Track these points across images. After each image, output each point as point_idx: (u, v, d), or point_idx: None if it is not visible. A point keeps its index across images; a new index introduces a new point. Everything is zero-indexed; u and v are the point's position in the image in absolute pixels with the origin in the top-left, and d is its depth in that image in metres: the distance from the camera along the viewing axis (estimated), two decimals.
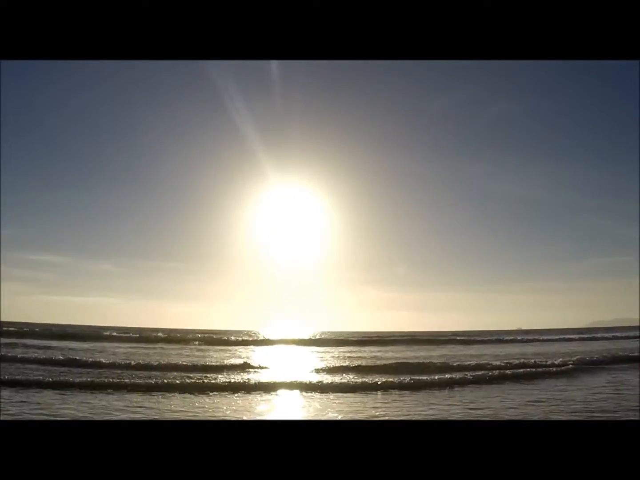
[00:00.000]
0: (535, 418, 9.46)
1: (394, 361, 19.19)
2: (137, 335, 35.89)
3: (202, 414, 9.42)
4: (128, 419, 8.96)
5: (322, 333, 56.82)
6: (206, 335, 40.28)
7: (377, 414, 9.74)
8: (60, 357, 17.95)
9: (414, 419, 9.45)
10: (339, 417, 9.76)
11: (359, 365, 17.96)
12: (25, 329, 36.81)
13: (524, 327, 72.90)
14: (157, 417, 9.25)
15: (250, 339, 39.10)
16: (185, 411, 9.61)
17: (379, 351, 27.84)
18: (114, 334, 36.61)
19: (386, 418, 9.56)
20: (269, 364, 18.69)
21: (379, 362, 19.33)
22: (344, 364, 18.64)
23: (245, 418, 9.62)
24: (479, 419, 9.43)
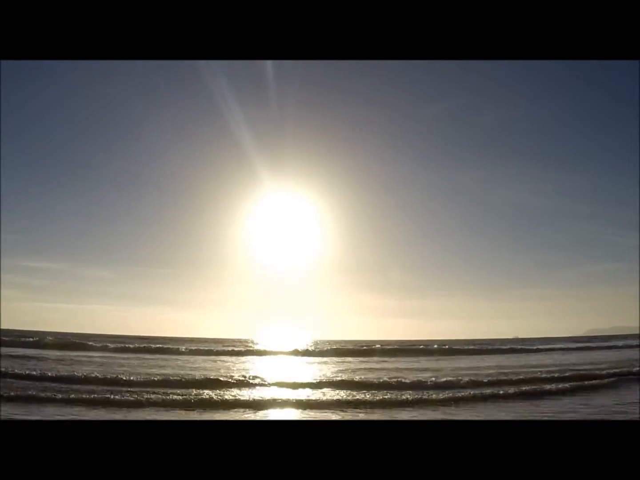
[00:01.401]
0: (535, 418, 9.45)
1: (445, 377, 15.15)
2: (111, 346, 30.99)
3: None
4: (128, 419, 8.96)
5: (317, 341, 53.04)
6: (191, 345, 35.85)
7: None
8: None
9: (413, 418, 9.45)
10: (339, 417, 9.75)
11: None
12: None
13: (520, 336, 71.92)
14: (157, 417, 9.25)
15: (243, 348, 34.81)
16: None
17: (399, 362, 23.74)
18: (90, 342, 31.43)
19: (386, 418, 9.55)
20: (255, 377, 15.33)
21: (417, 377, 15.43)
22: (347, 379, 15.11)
23: (245, 418, 9.62)
24: (479, 419, 9.42)
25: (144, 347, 31.53)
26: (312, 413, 10.17)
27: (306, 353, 31.27)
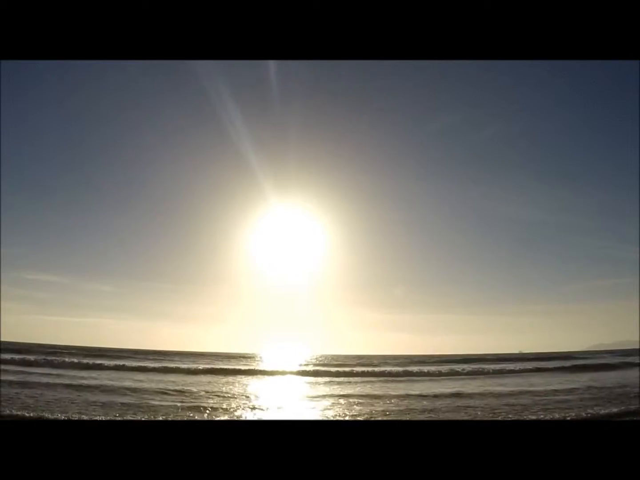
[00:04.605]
0: (535, 418, 9.45)
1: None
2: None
3: None
4: (128, 419, 8.96)
5: (321, 357, 50.70)
6: (190, 362, 32.89)
7: None
8: None
9: (413, 419, 9.45)
10: (339, 417, 9.75)
11: None
12: None
13: (524, 350, 71.58)
14: (157, 417, 9.25)
15: (246, 367, 30.39)
16: None
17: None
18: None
19: (386, 418, 9.55)
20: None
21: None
22: None
23: (245, 418, 9.62)
24: (479, 419, 9.42)
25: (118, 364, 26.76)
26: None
27: (314, 373, 26.94)
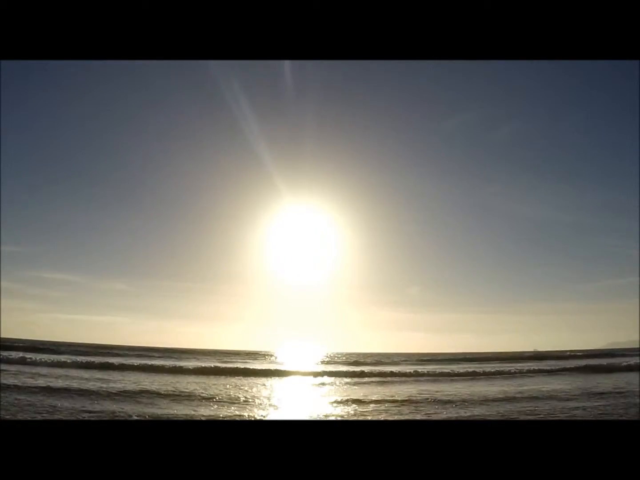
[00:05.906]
0: (535, 418, 9.46)
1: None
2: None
3: None
4: (128, 419, 8.96)
5: (336, 355, 50.47)
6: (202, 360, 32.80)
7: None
8: None
9: (413, 419, 9.45)
10: (339, 417, 9.75)
11: None
12: None
13: (539, 349, 71.19)
14: (157, 417, 9.25)
15: (263, 367, 28.65)
16: None
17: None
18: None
19: (386, 418, 9.55)
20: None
21: None
22: None
23: (245, 418, 9.62)
24: (479, 419, 9.43)
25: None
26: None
27: (336, 373, 25.13)
